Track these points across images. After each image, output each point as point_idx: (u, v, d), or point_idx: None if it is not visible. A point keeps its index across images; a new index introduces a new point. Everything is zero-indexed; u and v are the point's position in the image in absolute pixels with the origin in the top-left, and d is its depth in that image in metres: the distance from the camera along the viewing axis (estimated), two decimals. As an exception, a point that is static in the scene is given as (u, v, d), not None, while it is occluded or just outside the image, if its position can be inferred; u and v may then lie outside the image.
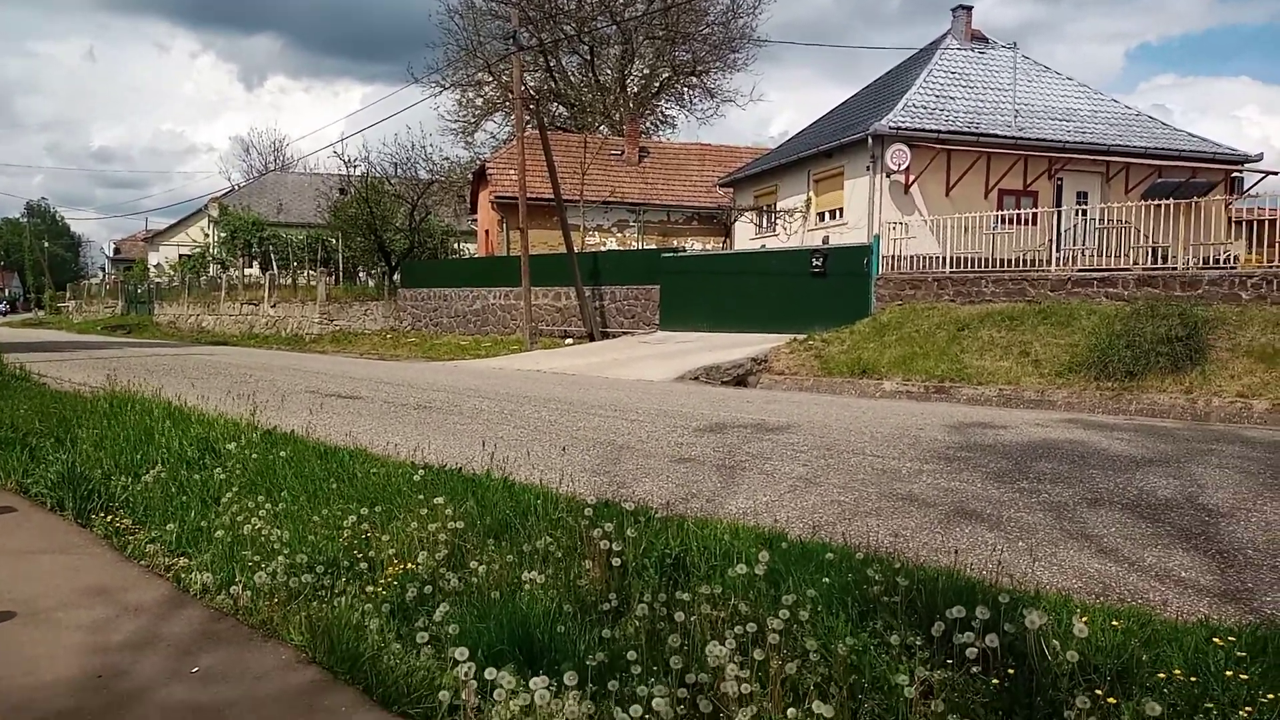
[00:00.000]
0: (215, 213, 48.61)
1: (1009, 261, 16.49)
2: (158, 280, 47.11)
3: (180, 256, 50.62)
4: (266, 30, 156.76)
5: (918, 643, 2.96)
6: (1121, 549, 4.58)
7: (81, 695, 3.07)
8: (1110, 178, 22.75)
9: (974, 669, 2.77)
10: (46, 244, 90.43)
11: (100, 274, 70.14)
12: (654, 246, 27.90)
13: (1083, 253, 17.13)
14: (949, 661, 2.82)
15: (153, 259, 57.21)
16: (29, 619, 3.75)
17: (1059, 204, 20.80)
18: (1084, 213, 18.54)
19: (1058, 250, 16.69)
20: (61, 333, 37.32)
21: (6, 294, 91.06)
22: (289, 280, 34.40)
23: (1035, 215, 17.91)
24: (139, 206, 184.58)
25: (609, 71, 43.88)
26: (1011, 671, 2.79)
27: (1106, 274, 14.35)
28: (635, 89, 44.13)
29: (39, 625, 3.69)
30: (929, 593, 3.27)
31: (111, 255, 76.46)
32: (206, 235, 48.99)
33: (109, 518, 5.21)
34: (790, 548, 4.06)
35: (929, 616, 3.07)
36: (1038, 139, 21.82)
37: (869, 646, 3.02)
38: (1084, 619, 2.96)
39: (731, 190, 29.86)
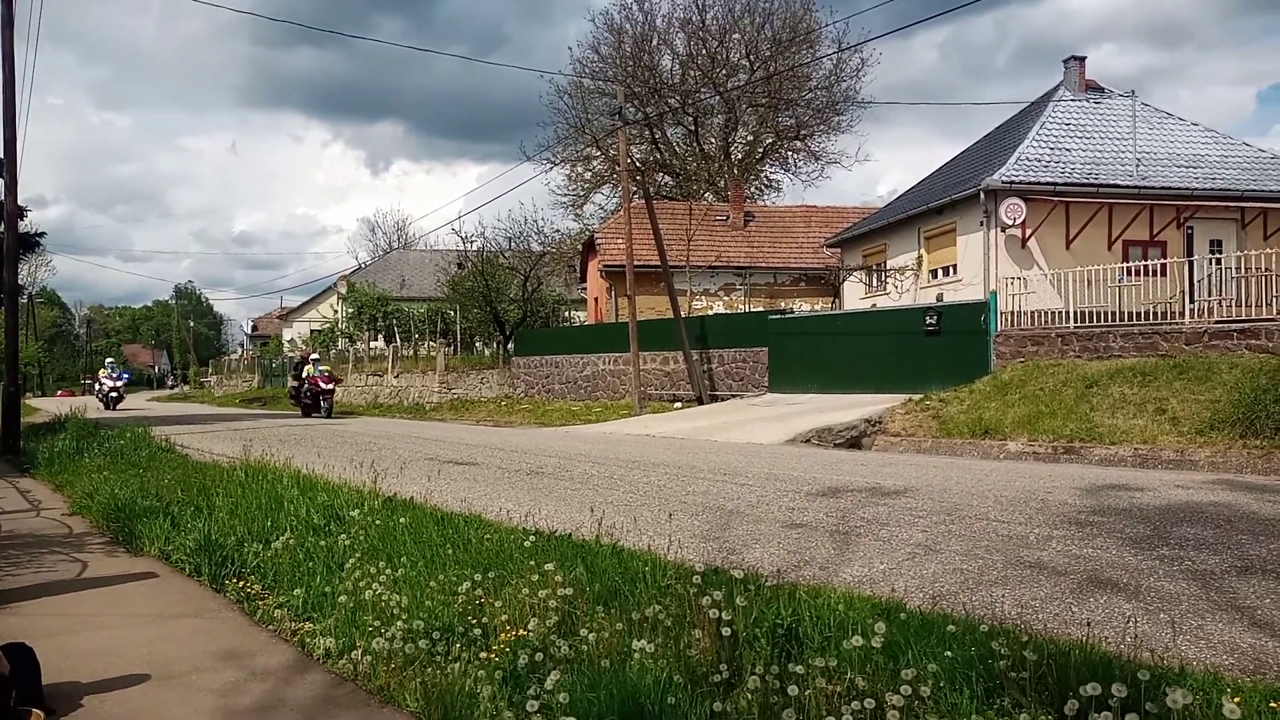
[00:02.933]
0: (343, 290, 51.40)
1: (1137, 315, 15.72)
2: (291, 355, 49.82)
3: (312, 332, 53.54)
4: (390, 118, 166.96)
5: (1049, 722, 2.78)
6: (1278, 622, 4.20)
7: (211, 756, 3.19)
8: (1246, 224, 21.53)
9: (1113, 753, 2.57)
10: (192, 323, 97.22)
11: (239, 350, 74.70)
12: (761, 309, 27.86)
13: (1220, 303, 16.17)
14: (1085, 744, 2.63)
15: (286, 335, 60.70)
16: (164, 681, 3.93)
17: (1190, 253, 19.77)
18: (1219, 261, 17.55)
19: (1192, 301, 15.82)
20: (204, 406, 39.76)
21: (156, 370, 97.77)
22: (411, 352, 35.91)
23: (1165, 266, 17.08)
24: (275, 286, 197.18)
25: (713, 140, 44.60)
26: (1156, 757, 2.58)
27: (1248, 325, 13.48)
28: (739, 155, 44.64)
29: (173, 687, 3.86)
30: (1060, 668, 3.07)
31: (249, 332, 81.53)
32: (335, 311, 51.79)
33: (241, 583, 5.45)
34: (909, 619, 3.89)
35: (1061, 694, 2.88)
36: (1163, 187, 20.93)
37: (996, 725, 2.85)
38: (1237, 700, 2.71)
39: (839, 250, 29.64)
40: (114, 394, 31.47)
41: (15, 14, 15.61)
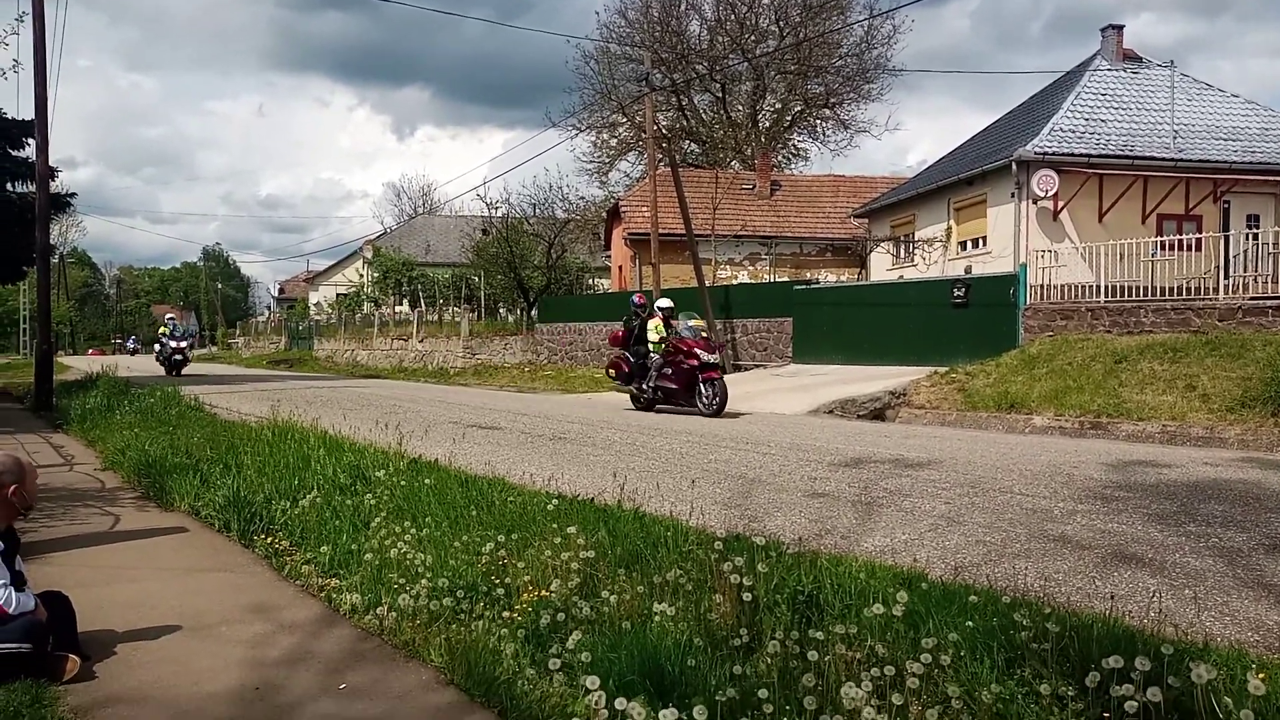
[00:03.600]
0: (369, 254, 51.56)
1: (1170, 290, 15.47)
2: (317, 318, 50.14)
3: (338, 295, 53.82)
4: (416, 82, 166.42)
5: (1070, 693, 2.78)
6: (1306, 601, 4.17)
7: (240, 706, 3.26)
8: (1286, 198, 21.05)
9: (1134, 725, 2.57)
10: (220, 286, 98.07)
11: (266, 313, 75.34)
12: (786, 279, 27.67)
13: (1255, 279, 15.87)
14: (1105, 716, 2.63)
15: (313, 298, 61.09)
16: (195, 632, 4.02)
17: (1226, 228, 19.38)
18: (1255, 236, 17.20)
19: (1226, 277, 15.53)
20: (232, 367, 40.18)
21: (186, 329, 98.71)
22: (435, 317, 36.02)
23: (1200, 240, 16.75)
24: (301, 249, 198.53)
25: (740, 107, 44.07)
26: (1177, 730, 2.57)
27: (1284, 302, 13.23)
28: (767, 123, 44.11)
29: (204, 638, 3.95)
30: (1083, 641, 3.06)
31: (276, 295, 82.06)
32: (361, 275, 51.98)
33: (269, 539, 5.54)
34: (930, 589, 3.89)
35: (1082, 666, 2.87)
36: (1200, 160, 20.46)
37: (1016, 695, 2.86)
38: (1261, 675, 2.70)
39: (866, 221, 29.32)
40: (178, 356, 27.40)
41: (46, -27, 15.63)
